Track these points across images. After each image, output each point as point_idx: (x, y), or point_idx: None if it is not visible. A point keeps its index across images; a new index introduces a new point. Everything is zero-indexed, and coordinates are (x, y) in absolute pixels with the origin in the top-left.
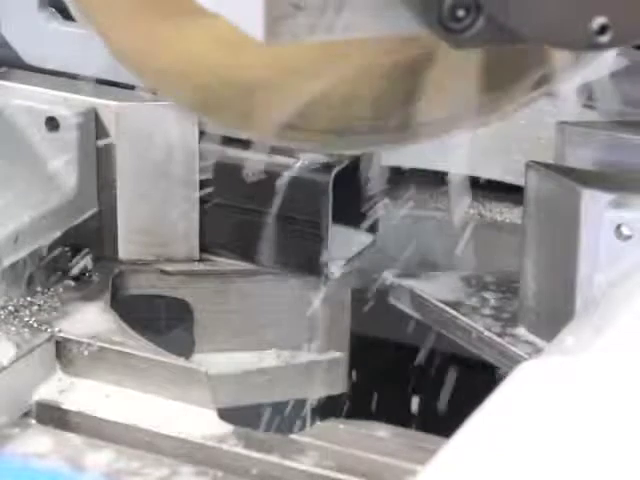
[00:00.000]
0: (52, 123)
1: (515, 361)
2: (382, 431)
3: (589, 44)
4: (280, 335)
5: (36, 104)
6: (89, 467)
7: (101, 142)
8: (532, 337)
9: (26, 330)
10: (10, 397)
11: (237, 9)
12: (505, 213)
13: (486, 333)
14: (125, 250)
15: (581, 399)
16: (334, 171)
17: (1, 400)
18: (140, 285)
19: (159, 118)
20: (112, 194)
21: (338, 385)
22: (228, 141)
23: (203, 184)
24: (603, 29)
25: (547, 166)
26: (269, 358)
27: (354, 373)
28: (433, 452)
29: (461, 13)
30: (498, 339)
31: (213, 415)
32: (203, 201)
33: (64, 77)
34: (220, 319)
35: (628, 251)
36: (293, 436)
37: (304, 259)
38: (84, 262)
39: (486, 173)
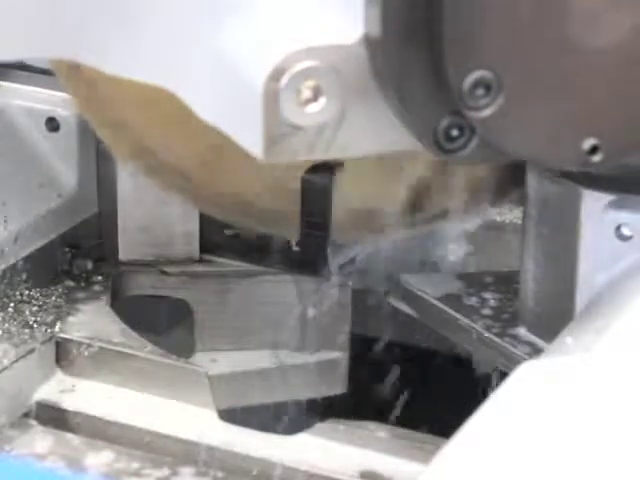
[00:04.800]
0: (52, 123)
1: (515, 361)
2: (382, 431)
3: (581, 163)
4: (280, 335)
5: (36, 104)
6: (89, 467)
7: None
8: (532, 337)
9: (26, 330)
10: (10, 397)
11: (236, 125)
12: (505, 213)
13: (486, 333)
14: (125, 250)
15: (581, 400)
16: (334, 171)
17: (1, 400)
18: (140, 285)
19: None
20: (112, 194)
21: (338, 385)
22: None
23: None
24: (594, 149)
25: None
26: (269, 358)
27: (354, 373)
28: (433, 452)
29: (455, 133)
30: (498, 339)
31: (213, 415)
32: None
33: None
34: (220, 319)
35: (628, 251)
36: (293, 436)
37: (304, 259)
38: (84, 262)
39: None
